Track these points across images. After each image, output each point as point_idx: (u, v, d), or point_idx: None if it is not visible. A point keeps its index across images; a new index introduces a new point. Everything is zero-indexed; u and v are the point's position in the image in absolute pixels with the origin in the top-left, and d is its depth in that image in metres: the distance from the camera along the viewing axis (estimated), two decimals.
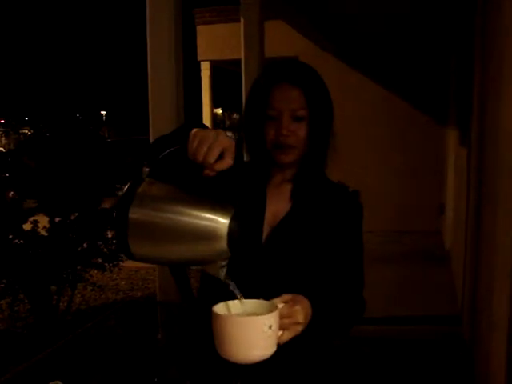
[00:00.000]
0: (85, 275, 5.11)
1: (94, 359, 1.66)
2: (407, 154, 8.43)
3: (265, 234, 1.57)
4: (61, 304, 5.03)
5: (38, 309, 4.81)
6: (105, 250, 5.02)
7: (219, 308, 1.22)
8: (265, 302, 1.25)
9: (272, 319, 1.19)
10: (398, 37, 7.97)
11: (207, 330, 1.20)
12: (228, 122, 41.12)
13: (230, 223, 1.13)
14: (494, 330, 2.69)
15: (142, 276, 6.82)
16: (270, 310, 1.21)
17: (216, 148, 1.14)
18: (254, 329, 1.17)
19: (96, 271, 5.31)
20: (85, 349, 1.76)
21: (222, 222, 1.12)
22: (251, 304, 1.25)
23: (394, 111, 8.43)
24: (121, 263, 5.18)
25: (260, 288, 1.30)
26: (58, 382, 1.35)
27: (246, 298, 1.25)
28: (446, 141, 7.89)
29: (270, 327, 1.18)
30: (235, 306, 1.24)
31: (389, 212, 8.33)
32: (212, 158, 1.13)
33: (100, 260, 5.08)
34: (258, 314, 1.21)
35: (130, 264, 5.57)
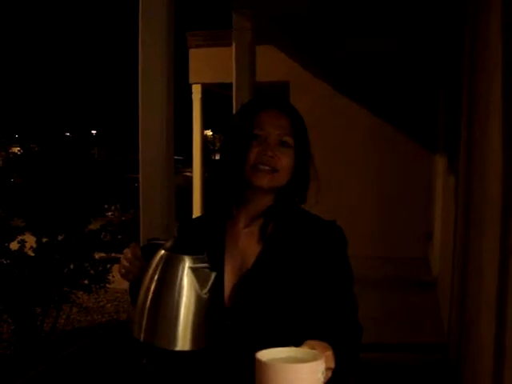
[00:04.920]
0: (71, 296, 5.06)
1: None
2: (396, 181, 8.47)
3: (227, 291, 1.47)
4: (45, 325, 4.97)
5: (21, 329, 4.75)
6: (91, 271, 4.99)
7: (265, 356, 1.12)
8: (295, 348, 1.17)
9: (323, 365, 1.13)
10: (388, 65, 8.07)
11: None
12: (218, 144, 41.14)
13: None
14: (481, 355, 2.68)
15: (128, 298, 6.74)
16: (312, 357, 1.13)
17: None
18: (311, 375, 1.10)
19: (82, 293, 5.27)
20: (69, 373, 1.74)
21: None
22: (284, 351, 1.16)
23: (382, 137, 8.48)
24: (107, 285, 5.14)
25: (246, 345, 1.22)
26: None
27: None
28: (434, 168, 7.94)
29: (322, 373, 1.12)
30: (270, 354, 1.14)
31: (376, 238, 8.34)
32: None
33: (86, 281, 5.05)
34: (298, 361, 1.12)
35: (116, 286, 5.53)
